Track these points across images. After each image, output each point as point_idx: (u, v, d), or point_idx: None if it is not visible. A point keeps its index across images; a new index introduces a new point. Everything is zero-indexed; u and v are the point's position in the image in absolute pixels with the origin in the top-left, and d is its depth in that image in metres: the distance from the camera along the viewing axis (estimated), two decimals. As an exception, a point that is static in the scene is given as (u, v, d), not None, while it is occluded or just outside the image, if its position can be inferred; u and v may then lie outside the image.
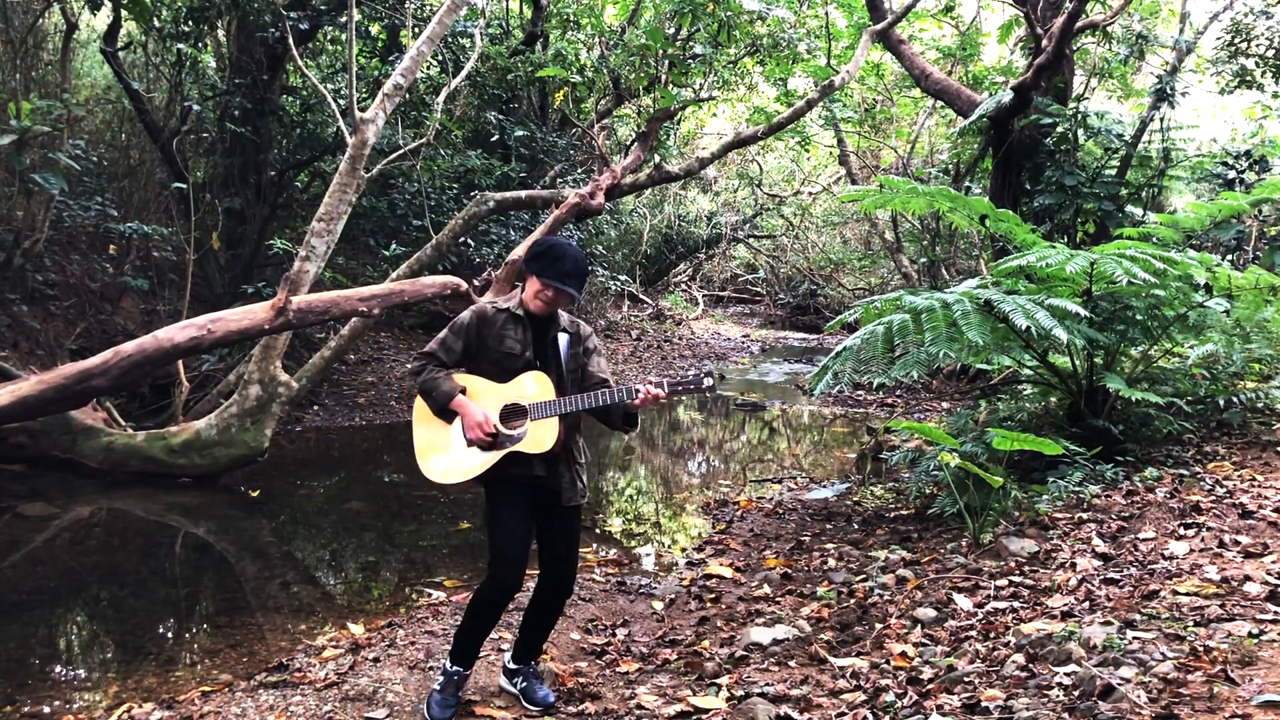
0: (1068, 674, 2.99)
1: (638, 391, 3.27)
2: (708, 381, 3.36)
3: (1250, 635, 3.03)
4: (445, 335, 3.51)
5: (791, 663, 3.85)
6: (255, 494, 7.09)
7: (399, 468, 8.08)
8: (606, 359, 3.54)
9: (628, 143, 14.60)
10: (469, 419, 3.37)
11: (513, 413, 3.39)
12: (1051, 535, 4.64)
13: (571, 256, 3.38)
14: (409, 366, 3.52)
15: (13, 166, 7.68)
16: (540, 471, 3.41)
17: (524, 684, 3.58)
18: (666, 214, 22.17)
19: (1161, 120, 10.91)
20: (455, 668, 3.47)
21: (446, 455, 3.44)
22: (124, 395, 8.35)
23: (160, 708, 3.64)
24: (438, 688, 3.46)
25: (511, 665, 3.65)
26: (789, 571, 5.25)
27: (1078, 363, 6.02)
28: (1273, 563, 3.73)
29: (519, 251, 9.20)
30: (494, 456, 3.37)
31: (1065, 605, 3.71)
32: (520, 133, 12.79)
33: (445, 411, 3.43)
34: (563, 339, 3.51)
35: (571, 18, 12.28)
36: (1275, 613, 3.22)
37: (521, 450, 3.36)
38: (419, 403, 3.52)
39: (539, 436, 3.35)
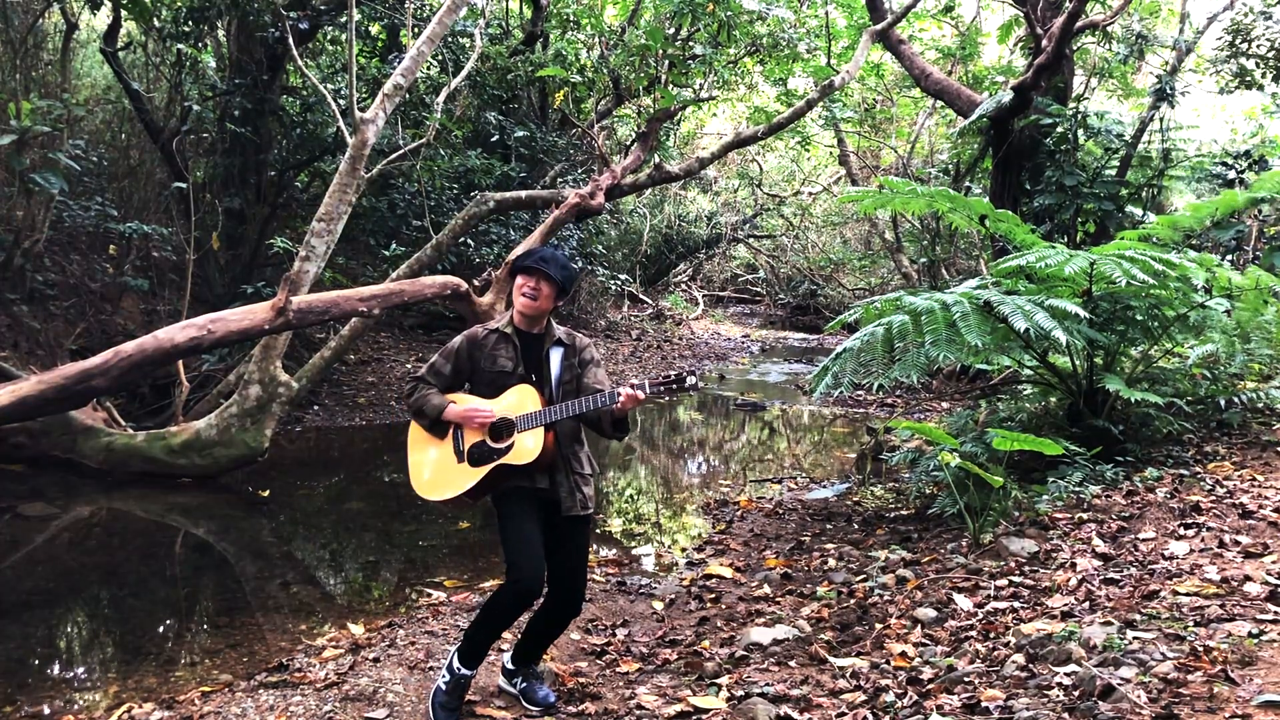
0: (1068, 674, 2.99)
1: (619, 395, 3.24)
2: (691, 380, 3.28)
3: (1250, 635, 3.03)
4: (435, 359, 3.57)
5: (791, 663, 3.85)
6: (265, 494, 7.09)
7: (399, 468, 8.07)
8: (606, 368, 3.57)
9: (628, 143, 14.60)
10: (465, 414, 3.40)
11: (501, 428, 3.40)
12: (1051, 535, 4.64)
13: (546, 250, 3.48)
14: (405, 388, 3.61)
15: (13, 166, 7.68)
16: (542, 484, 3.42)
17: (524, 684, 3.58)
18: (666, 214, 22.17)
19: (1161, 120, 10.91)
20: (464, 669, 3.40)
21: (439, 471, 3.47)
22: (124, 395, 8.35)
23: (160, 708, 3.64)
24: (445, 688, 3.39)
25: (510, 666, 3.65)
26: (789, 571, 5.25)
27: (1078, 363, 6.02)
28: (1273, 563, 3.73)
29: (519, 251, 9.21)
30: (482, 471, 3.39)
31: (1065, 605, 3.71)
32: (520, 133, 12.79)
33: (437, 425, 3.48)
34: (556, 354, 3.51)
35: (571, 18, 12.28)
36: (1275, 613, 3.22)
37: (510, 463, 3.36)
38: (413, 427, 3.57)
39: (525, 447, 3.35)
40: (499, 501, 3.46)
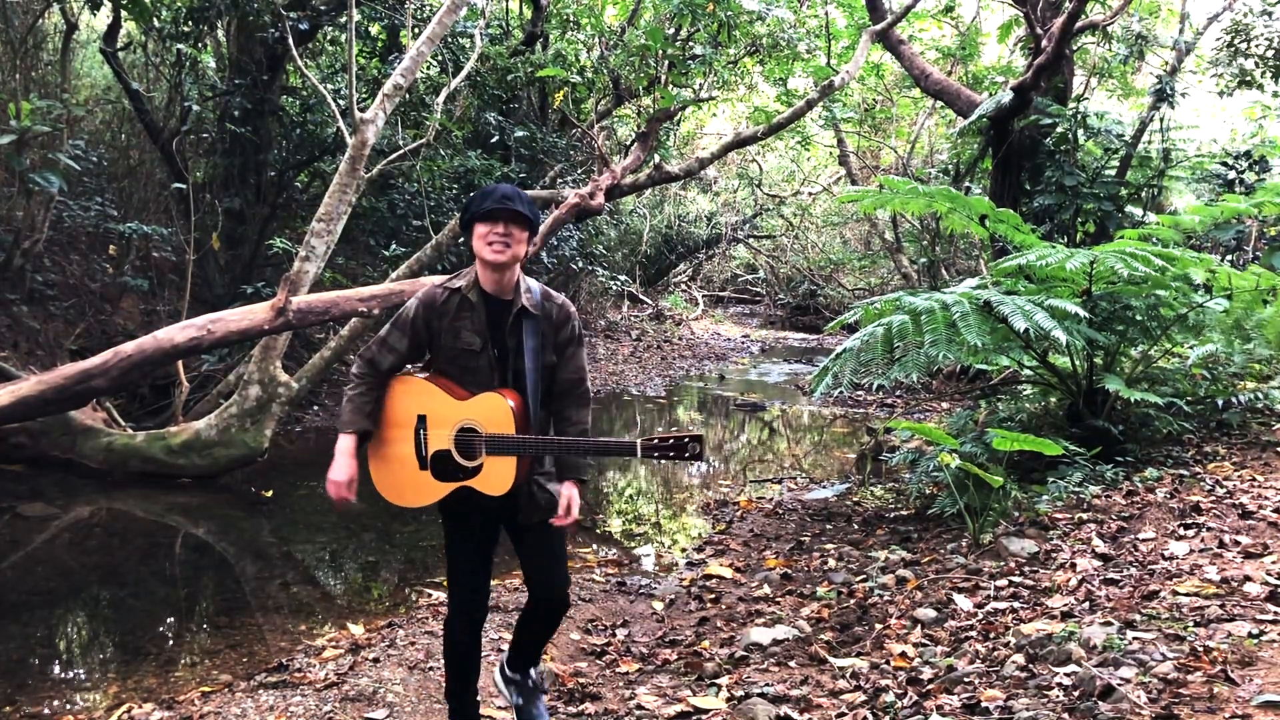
0: (1068, 674, 2.99)
1: (564, 502, 2.87)
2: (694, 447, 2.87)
3: (1250, 635, 3.03)
4: (389, 333, 2.92)
5: (791, 663, 3.85)
6: (269, 494, 7.08)
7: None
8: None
9: (628, 143, 14.59)
10: (332, 472, 2.89)
11: (470, 436, 2.85)
12: (1051, 535, 4.64)
13: (503, 186, 2.84)
14: (353, 368, 3.02)
15: (13, 166, 7.68)
16: (492, 504, 2.90)
17: (519, 699, 3.23)
18: (666, 214, 22.17)
19: (1161, 120, 10.91)
20: None
21: (398, 474, 2.94)
22: (124, 395, 8.34)
23: (160, 708, 3.64)
24: None
25: (510, 672, 3.29)
26: (789, 571, 5.25)
27: (1077, 363, 6.02)
28: (1273, 563, 3.73)
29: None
30: (447, 489, 2.90)
31: (1065, 605, 3.71)
32: (520, 133, 12.78)
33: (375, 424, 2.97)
34: (527, 329, 2.87)
35: (571, 18, 12.28)
36: (1275, 613, 3.22)
37: (477, 489, 2.86)
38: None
39: (496, 476, 2.83)
40: (444, 516, 3.02)
